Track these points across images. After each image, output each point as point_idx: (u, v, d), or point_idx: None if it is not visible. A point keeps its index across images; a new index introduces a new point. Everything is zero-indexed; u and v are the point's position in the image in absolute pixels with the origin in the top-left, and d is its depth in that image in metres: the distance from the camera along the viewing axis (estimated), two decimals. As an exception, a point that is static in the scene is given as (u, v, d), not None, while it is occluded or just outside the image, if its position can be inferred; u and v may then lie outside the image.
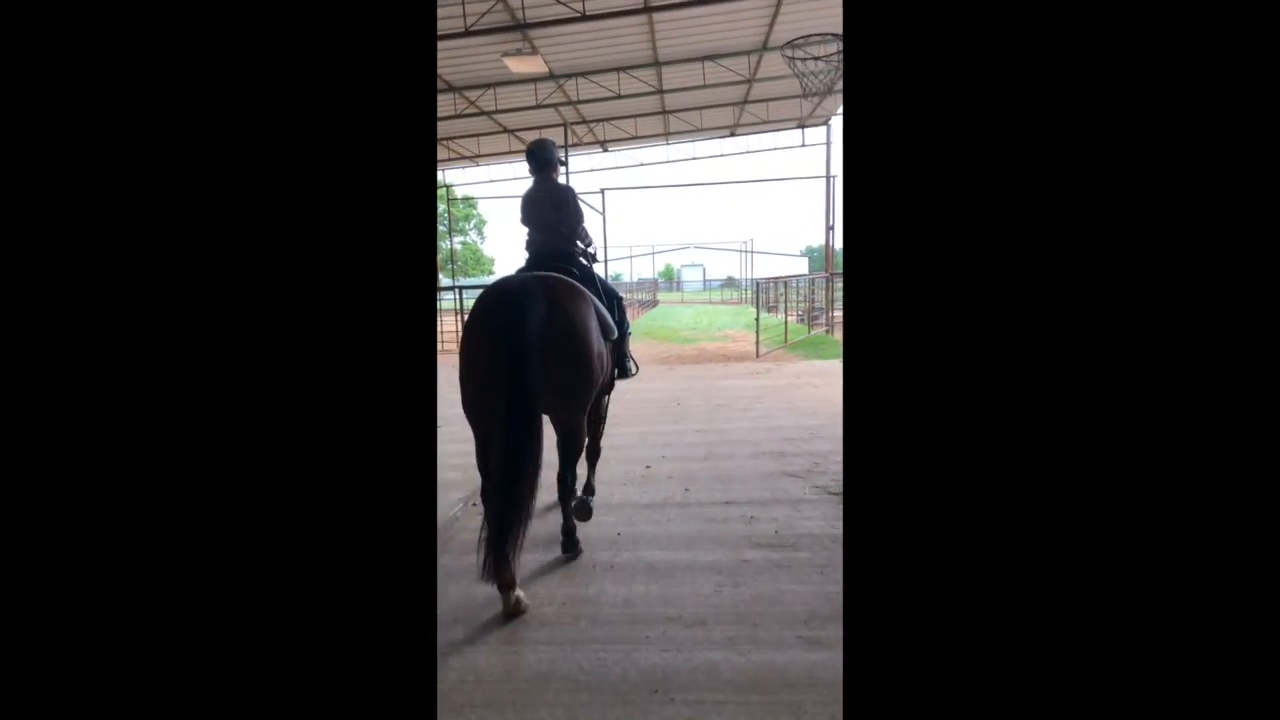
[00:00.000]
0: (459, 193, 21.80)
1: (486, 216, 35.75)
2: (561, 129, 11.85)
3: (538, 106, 11.41)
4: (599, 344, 2.39)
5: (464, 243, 34.64)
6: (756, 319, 9.46)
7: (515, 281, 2.27)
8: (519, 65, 9.32)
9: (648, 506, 3.13)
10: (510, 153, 15.65)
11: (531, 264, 2.68)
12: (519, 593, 2.12)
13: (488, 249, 36.58)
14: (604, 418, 3.16)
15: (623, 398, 6.22)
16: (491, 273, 34.60)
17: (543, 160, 2.73)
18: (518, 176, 18.59)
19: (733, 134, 16.69)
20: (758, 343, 9.10)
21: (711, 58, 10.47)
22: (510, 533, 1.95)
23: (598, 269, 2.96)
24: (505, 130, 14.41)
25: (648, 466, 3.76)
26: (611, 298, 2.86)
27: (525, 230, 2.78)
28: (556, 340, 2.14)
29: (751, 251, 35.79)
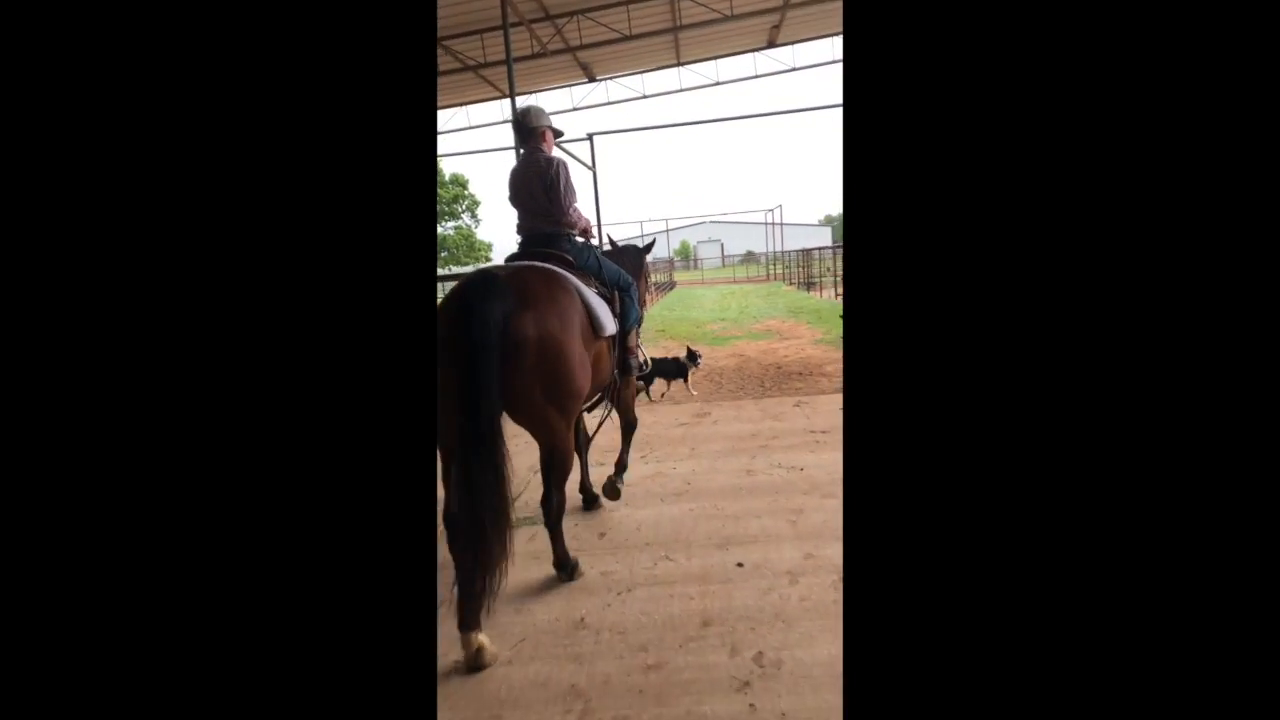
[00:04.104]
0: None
1: (480, 196, 31.34)
2: (506, 29, 7.11)
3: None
4: (580, 345, 2.10)
5: (456, 227, 30.56)
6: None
7: (477, 278, 1.98)
8: None
9: None
10: (449, 73, 10.94)
11: (520, 251, 2.49)
12: (482, 637, 1.84)
13: (483, 233, 32.05)
14: (632, 400, 2.91)
15: (611, 555, 2.86)
16: (489, 259, 30.34)
17: (526, 130, 2.47)
18: (473, 125, 13.91)
19: (771, 44, 12.03)
20: (846, 359, 4.73)
21: None
22: (476, 574, 1.75)
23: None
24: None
25: None
26: (618, 285, 2.55)
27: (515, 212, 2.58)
28: (521, 345, 1.89)
29: (782, 224, 31.91)
